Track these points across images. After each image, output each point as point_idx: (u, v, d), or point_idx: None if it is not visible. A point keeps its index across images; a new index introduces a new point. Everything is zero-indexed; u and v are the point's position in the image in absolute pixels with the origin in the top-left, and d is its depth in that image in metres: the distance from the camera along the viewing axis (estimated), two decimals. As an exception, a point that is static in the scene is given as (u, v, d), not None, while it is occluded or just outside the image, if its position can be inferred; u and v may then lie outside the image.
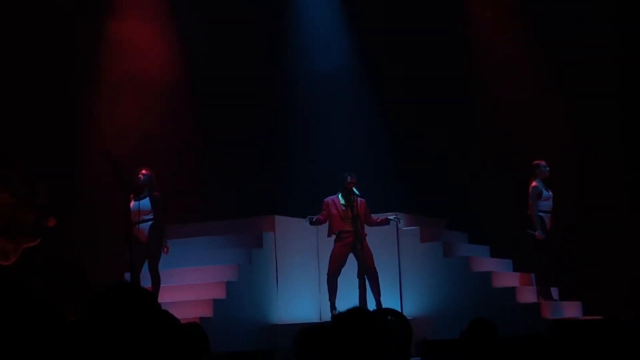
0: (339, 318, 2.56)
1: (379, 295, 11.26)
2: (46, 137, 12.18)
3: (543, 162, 11.84)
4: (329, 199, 11.49)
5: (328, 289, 11.47)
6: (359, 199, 11.29)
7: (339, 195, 11.45)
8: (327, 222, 11.49)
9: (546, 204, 11.81)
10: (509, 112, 13.68)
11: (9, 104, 12.15)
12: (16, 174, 9.34)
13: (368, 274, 11.25)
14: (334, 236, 11.45)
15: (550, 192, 11.85)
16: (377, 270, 11.30)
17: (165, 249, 10.69)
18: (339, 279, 11.44)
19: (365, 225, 11.40)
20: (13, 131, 11.58)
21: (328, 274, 11.47)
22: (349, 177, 11.35)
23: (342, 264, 11.39)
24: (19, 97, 12.28)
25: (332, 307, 11.36)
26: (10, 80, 12.17)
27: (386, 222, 11.57)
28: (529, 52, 13.80)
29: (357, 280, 11.22)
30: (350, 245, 11.28)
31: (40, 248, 9.62)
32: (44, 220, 9.33)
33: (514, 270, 12.76)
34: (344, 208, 11.36)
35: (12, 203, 9.24)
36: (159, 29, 13.69)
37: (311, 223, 11.42)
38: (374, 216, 11.56)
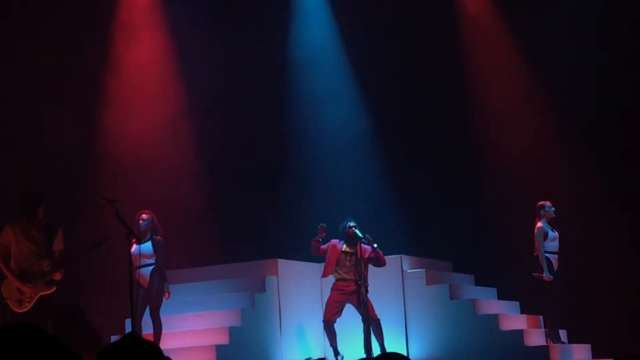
0: None
1: (383, 341, 11.16)
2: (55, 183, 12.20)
3: (548, 203, 11.82)
4: (335, 241, 11.41)
5: (327, 336, 11.36)
6: (363, 245, 11.15)
7: (344, 243, 11.36)
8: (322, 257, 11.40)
9: (552, 244, 11.75)
10: (514, 156, 13.81)
11: (29, 153, 12.29)
12: (37, 222, 9.44)
13: (371, 323, 11.09)
14: (333, 279, 11.34)
15: (556, 233, 11.80)
16: (380, 317, 11.16)
17: (166, 295, 10.57)
18: (345, 324, 11.32)
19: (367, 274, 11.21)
20: (34, 179, 11.62)
21: (324, 321, 11.34)
22: (349, 224, 11.28)
23: (339, 311, 11.27)
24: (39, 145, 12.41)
25: (336, 352, 11.26)
26: (31, 132, 12.27)
27: (374, 251, 11.24)
28: (533, 105, 13.99)
29: (362, 324, 11.06)
30: (347, 293, 11.17)
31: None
32: (54, 271, 9.40)
33: (522, 312, 12.64)
34: (344, 255, 11.27)
35: (35, 251, 9.36)
36: (169, 82, 13.79)
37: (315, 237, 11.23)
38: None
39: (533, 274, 11.63)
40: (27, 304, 9.30)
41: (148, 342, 2.55)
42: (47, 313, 9.31)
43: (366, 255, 11.23)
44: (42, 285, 9.34)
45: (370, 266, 11.27)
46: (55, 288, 9.43)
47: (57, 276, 9.46)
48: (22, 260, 9.34)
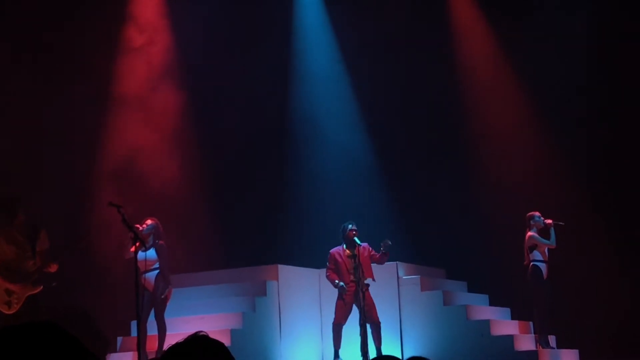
0: None
1: (380, 344, 11.37)
2: (54, 184, 12.37)
3: (537, 213, 12.02)
4: (334, 250, 11.62)
5: (333, 338, 11.56)
6: (361, 246, 11.40)
7: (344, 246, 11.60)
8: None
9: (542, 253, 11.97)
10: (506, 169, 14.12)
11: (11, 152, 12.34)
12: (18, 223, 9.51)
13: (371, 324, 11.32)
14: (339, 284, 11.50)
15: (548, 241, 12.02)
16: (380, 320, 11.43)
17: (166, 294, 10.82)
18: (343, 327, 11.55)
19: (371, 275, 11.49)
20: (14, 178, 11.81)
21: (333, 323, 11.57)
22: (349, 226, 11.51)
23: (348, 313, 11.50)
24: (23, 145, 12.52)
25: (336, 355, 11.50)
26: (13, 128, 12.38)
27: (385, 255, 11.54)
28: (525, 123, 14.35)
29: (358, 328, 11.31)
30: (353, 294, 11.39)
31: (47, 296, 9.77)
32: (46, 266, 9.53)
33: (512, 318, 12.90)
34: (348, 258, 11.49)
35: (17, 253, 9.44)
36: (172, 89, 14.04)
37: (341, 289, 11.47)
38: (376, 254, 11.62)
39: (558, 222, 11.83)
40: (15, 305, 9.33)
41: (215, 341, 2.49)
42: (37, 313, 9.31)
43: (365, 254, 11.46)
44: (29, 285, 9.46)
45: (372, 269, 11.49)
46: (42, 287, 9.50)
47: (53, 268, 9.58)
48: (5, 262, 9.39)
